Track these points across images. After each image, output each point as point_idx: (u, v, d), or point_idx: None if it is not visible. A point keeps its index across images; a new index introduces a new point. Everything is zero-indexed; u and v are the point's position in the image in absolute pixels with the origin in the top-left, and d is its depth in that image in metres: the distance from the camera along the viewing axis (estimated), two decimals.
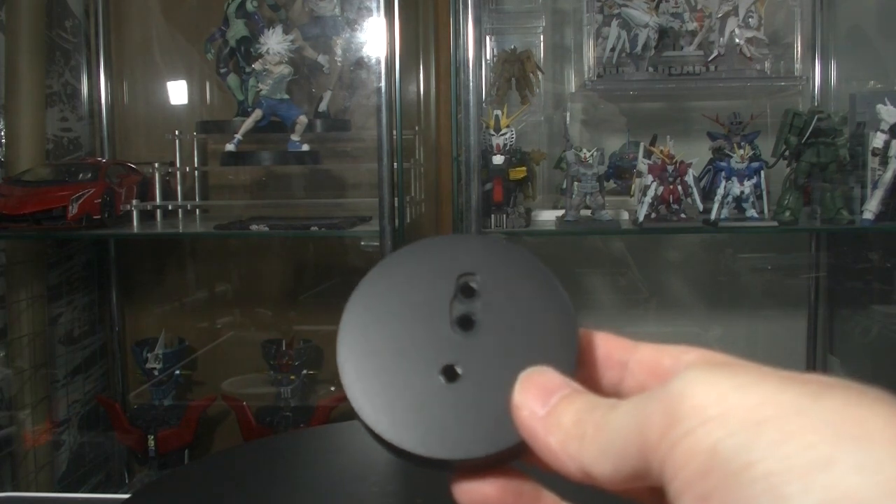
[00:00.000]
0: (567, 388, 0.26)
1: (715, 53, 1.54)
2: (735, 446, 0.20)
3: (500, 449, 0.26)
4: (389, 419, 0.27)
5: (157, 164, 1.58)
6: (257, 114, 1.49)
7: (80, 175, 1.45)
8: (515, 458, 0.27)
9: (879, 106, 1.33)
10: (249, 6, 1.55)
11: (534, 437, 0.25)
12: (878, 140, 1.33)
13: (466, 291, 0.29)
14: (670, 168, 1.38)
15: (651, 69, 1.56)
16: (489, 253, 0.30)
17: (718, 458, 0.20)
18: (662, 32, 1.54)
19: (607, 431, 0.24)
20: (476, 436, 0.27)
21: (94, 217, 1.42)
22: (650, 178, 1.39)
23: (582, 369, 0.28)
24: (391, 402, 0.27)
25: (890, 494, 0.18)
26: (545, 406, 0.26)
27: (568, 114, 1.73)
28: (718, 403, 0.21)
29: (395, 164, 1.41)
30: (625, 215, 1.49)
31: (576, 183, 1.40)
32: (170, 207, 1.64)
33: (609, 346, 0.29)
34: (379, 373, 0.28)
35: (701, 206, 1.40)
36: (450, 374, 0.28)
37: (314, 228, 1.45)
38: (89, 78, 1.76)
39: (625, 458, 0.23)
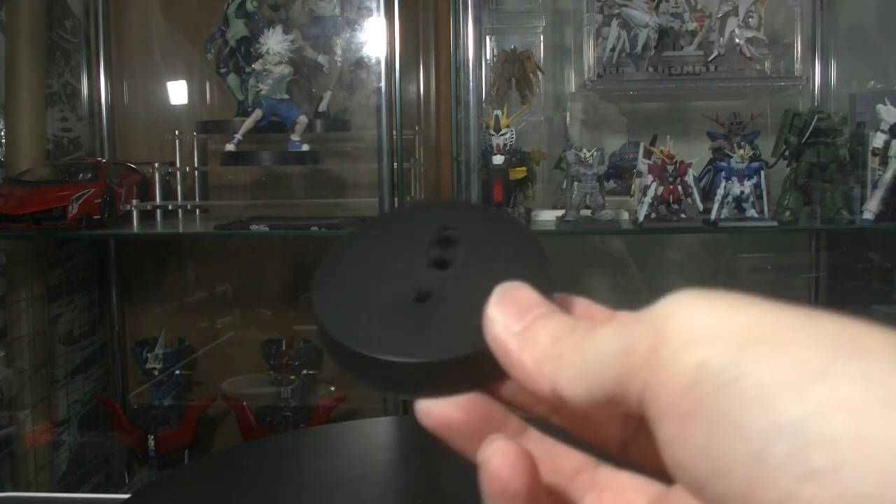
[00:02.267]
0: (544, 307, 0.25)
1: (715, 53, 1.54)
2: (724, 361, 0.19)
3: (465, 353, 0.25)
4: (352, 329, 0.26)
5: (157, 164, 1.58)
6: (257, 114, 1.49)
7: (80, 175, 1.45)
8: (479, 378, 0.26)
9: (879, 106, 1.33)
10: (249, 6, 1.55)
11: (506, 353, 0.24)
12: (878, 140, 1.33)
13: (445, 241, 0.29)
14: (670, 168, 1.38)
15: (651, 69, 1.56)
16: (470, 212, 0.30)
17: (705, 372, 0.19)
18: (662, 32, 1.54)
19: (587, 354, 0.23)
20: (442, 342, 0.25)
21: (94, 217, 1.42)
22: (650, 178, 1.39)
23: None
24: (356, 315, 0.27)
25: (888, 404, 0.17)
26: (521, 321, 0.24)
27: (568, 114, 1.73)
28: (708, 324, 0.20)
29: (395, 164, 1.41)
30: (625, 215, 1.49)
31: (576, 183, 1.40)
32: (170, 207, 1.64)
33: (591, 313, 0.28)
34: (348, 292, 0.28)
35: (701, 206, 1.40)
36: (422, 296, 0.27)
37: (314, 228, 1.45)
38: (89, 78, 1.76)
39: (602, 381, 0.22)
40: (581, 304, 0.28)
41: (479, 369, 0.25)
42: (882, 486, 0.16)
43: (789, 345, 0.19)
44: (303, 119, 1.50)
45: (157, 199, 1.59)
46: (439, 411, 0.25)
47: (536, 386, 0.24)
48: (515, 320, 0.25)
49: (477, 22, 1.36)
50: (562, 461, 0.26)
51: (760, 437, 0.18)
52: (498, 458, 0.23)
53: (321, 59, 1.57)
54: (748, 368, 0.19)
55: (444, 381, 0.25)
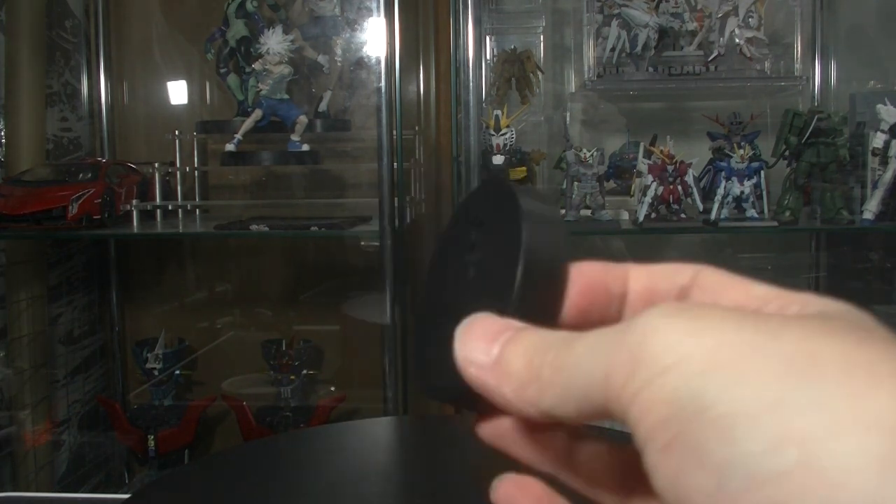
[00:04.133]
0: (510, 330, 0.24)
1: (715, 53, 1.54)
2: (690, 393, 0.19)
3: (457, 396, 0.25)
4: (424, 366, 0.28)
5: (157, 164, 1.58)
6: (257, 114, 1.49)
7: (80, 175, 1.45)
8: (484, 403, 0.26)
9: (879, 106, 1.33)
10: (249, 6, 1.55)
11: (488, 391, 0.24)
12: (878, 140, 1.33)
13: (473, 245, 0.29)
14: (670, 168, 1.38)
15: (651, 69, 1.56)
16: (489, 198, 0.29)
17: (676, 406, 0.19)
18: (662, 32, 1.54)
19: (566, 373, 0.22)
20: (442, 381, 0.26)
21: (94, 217, 1.42)
22: (650, 178, 1.39)
23: (577, 300, 0.27)
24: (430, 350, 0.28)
25: (835, 434, 0.18)
26: (489, 354, 0.24)
27: (568, 114, 1.73)
28: (675, 350, 0.20)
29: (395, 164, 1.41)
30: (625, 215, 1.49)
31: (576, 183, 1.40)
32: (170, 207, 1.64)
33: (606, 276, 0.27)
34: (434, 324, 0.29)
35: (701, 206, 1.40)
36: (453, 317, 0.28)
37: (314, 228, 1.45)
38: (89, 78, 1.76)
39: (588, 399, 0.22)
40: (595, 268, 0.27)
41: (477, 401, 0.25)
42: None
43: (748, 371, 0.19)
44: (303, 119, 1.50)
45: (157, 199, 1.59)
46: (492, 427, 0.27)
47: (525, 414, 0.24)
48: (483, 355, 0.24)
49: (477, 22, 1.36)
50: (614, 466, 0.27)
51: (719, 470, 0.18)
52: (503, 491, 0.26)
53: (321, 59, 1.57)
54: (710, 399, 0.19)
55: (461, 406, 0.27)
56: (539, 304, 0.26)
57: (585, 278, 0.27)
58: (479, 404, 0.25)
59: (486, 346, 0.24)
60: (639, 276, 0.27)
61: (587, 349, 0.22)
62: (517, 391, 0.23)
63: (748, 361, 0.19)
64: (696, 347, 0.20)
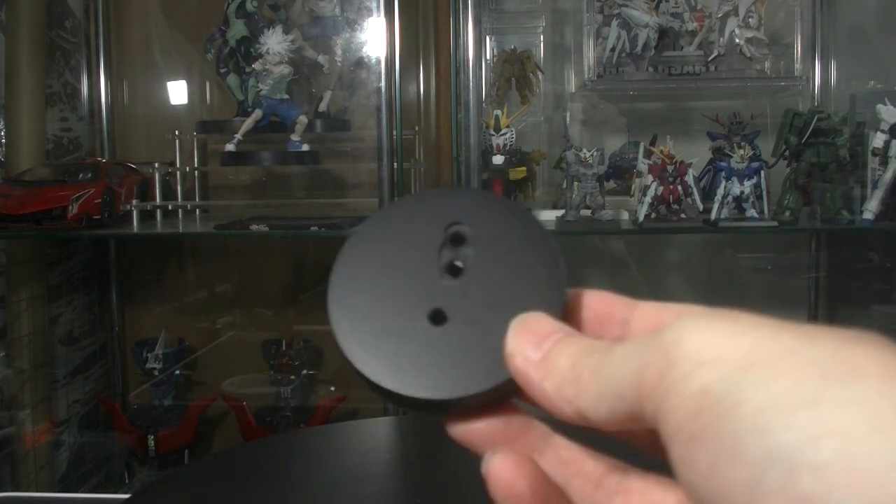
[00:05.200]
0: (560, 333, 0.26)
1: (715, 53, 1.54)
2: (725, 387, 0.20)
3: (486, 389, 0.26)
4: (382, 365, 0.27)
5: (157, 164, 1.58)
6: (257, 114, 1.49)
7: (80, 175, 1.45)
8: (504, 399, 0.27)
9: (879, 106, 1.33)
10: (249, 6, 1.55)
11: (529, 383, 0.25)
12: (878, 140, 1.33)
13: (456, 240, 0.29)
14: (670, 168, 1.38)
15: (651, 69, 1.56)
16: (479, 203, 0.30)
17: (708, 399, 0.20)
18: (662, 32, 1.54)
19: (603, 375, 0.24)
20: (465, 377, 0.27)
21: (94, 217, 1.42)
22: (650, 178, 1.39)
23: (579, 327, 0.28)
24: (382, 347, 0.28)
25: (876, 430, 0.18)
26: (539, 351, 0.25)
27: (568, 114, 1.73)
28: (712, 349, 0.21)
29: (395, 164, 1.41)
30: (625, 215, 1.49)
31: (576, 183, 1.40)
32: (170, 207, 1.64)
33: (610, 305, 0.29)
34: (369, 320, 0.28)
35: (701, 206, 1.40)
36: (437, 317, 0.28)
37: (314, 228, 1.45)
38: (89, 78, 1.76)
39: (621, 401, 0.23)
40: (601, 297, 0.29)
41: (504, 396, 0.27)
42: None
43: (786, 369, 0.19)
44: (303, 119, 1.50)
45: (157, 199, 1.59)
46: (466, 427, 0.27)
47: (561, 410, 0.25)
48: (534, 350, 0.26)
49: (477, 22, 1.36)
50: (588, 465, 0.28)
51: (756, 463, 0.19)
52: (497, 465, 0.26)
53: (321, 59, 1.57)
54: (747, 394, 0.19)
55: (471, 409, 0.27)
56: (564, 312, 0.28)
57: (600, 304, 0.29)
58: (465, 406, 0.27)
59: (539, 341, 0.26)
60: (647, 307, 0.28)
61: (624, 352, 0.23)
62: (557, 388, 0.25)
63: (786, 360, 0.20)
64: (733, 347, 0.21)
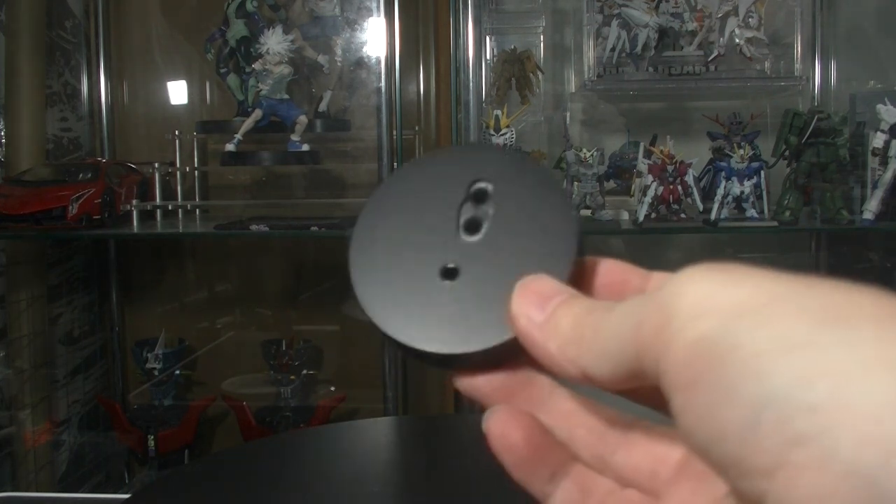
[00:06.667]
0: (563, 294, 0.26)
1: (715, 53, 1.54)
2: (722, 333, 0.20)
3: (490, 346, 0.27)
4: (393, 316, 0.28)
5: (157, 164, 1.58)
6: (257, 114, 1.49)
7: (80, 175, 1.45)
8: (510, 356, 0.28)
9: (879, 106, 1.33)
10: (249, 6, 1.55)
11: (532, 344, 0.26)
12: (878, 140, 1.33)
13: (478, 197, 0.30)
14: (670, 168, 1.38)
15: (651, 69, 1.56)
16: (505, 162, 0.31)
17: (705, 345, 0.20)
18: (662, 32, 1.54)
19: (604, 333, 0.24)
20: (471, 333, 0.28)
21: (94, 217, 1.42)
22: (650, 178, 1.39)
23: (592, 293, 0.29)
24: (395, 299, 0.29)
25: (870, 370, 0.18)
26: (543, 312, 0.26)
27: (568, 114, 1.73)
28: (709, 300, 0.21)
29: (395, 164, 1.41)
30: (625, 215, 1.49)
31: (576, 183, 1.40)
32: (170, 207, 1.64)
33: (625, 273, 0.29)
34: (385, 272, 0.29)
35: (701, 206, 1.40)
36: (449, 273, 0.29)
37: (314, 228, 1.45)
38: (89, 78, 1.76)
39: (622, 359, 0.23)
40: (614, 265, 0.29)
41: (509, 354, 0.27)
42: (861, 450, 0.17)
43: (780, 314, 0.20)
44: (303, 119, 1.50)
45: (157, 199, 1.59)
46: (470, 381, 0.28)
47: (564, 370, 0.25)
48: (538, 312, 0.26)
49: (477, 22, 1.36)
50: (591, 417, 0.28)
51: (751, 405, 0.19)
52: (493, 418, 0.27)
53: (321, 59, 1.57)
54: (742, 339, 0.20)
55: (476, 364, 0.28)
56: (575, 275, 0.28)
57: (616, 272, 0.29)
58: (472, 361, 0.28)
59: (542, 303, 0.26)
60: (662, 276, 0.28)
61: (624, 309, 0.24)
62: (561, 348, 0.25)
63: (781, 306, 0.20)
64: (730, 296, 0.21)
